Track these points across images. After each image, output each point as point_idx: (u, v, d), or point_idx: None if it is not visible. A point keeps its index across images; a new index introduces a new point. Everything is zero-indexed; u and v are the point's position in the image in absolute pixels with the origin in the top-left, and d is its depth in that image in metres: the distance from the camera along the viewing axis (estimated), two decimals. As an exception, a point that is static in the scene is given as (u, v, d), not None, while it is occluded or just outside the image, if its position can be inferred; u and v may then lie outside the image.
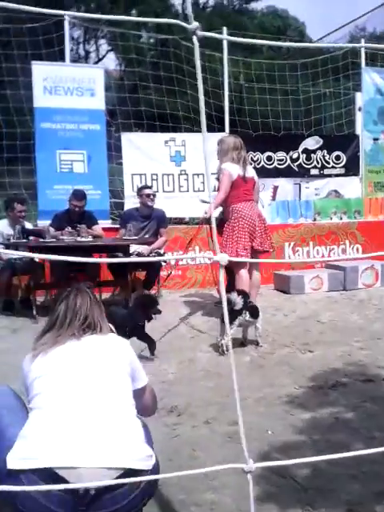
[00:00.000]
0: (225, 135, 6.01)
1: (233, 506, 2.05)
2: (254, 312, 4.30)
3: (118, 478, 1.54)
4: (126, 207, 7.06)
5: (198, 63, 0.91)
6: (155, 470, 1.70)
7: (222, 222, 5.15)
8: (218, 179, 5.32)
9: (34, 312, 5.10)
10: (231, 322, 4.09)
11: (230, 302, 4.11)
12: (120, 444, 1.61)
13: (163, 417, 2.88)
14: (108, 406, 1.67)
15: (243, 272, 5.02)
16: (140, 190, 6.19)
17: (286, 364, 3.87)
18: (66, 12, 6.63)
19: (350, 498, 2.13)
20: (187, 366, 3.79)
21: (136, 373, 1.92)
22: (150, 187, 6.37)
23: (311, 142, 8.24)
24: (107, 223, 6.94)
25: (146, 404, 2.04)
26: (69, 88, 6.80)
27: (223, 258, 1.03)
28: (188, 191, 7.54)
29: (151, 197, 6.02)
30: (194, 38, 0.88)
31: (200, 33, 0.89)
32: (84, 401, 1.65)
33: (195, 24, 0.87)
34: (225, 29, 7.72)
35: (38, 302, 5.84)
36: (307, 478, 2.24)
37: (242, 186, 5.06)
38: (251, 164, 7.68)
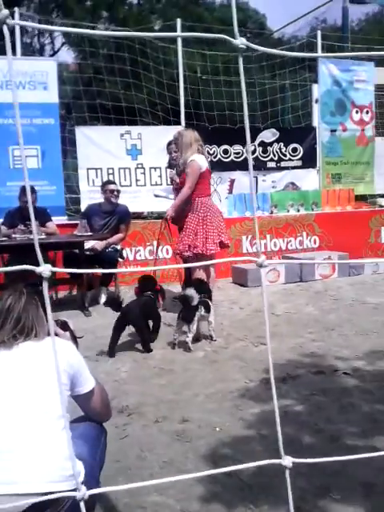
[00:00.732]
0: (182, 129, 5.98)
1: (177, 506, 2.06)
2: (207, 306, 4.32)
3: (34, 504, 1.39)
4: (82, 202, 6.97)
5: (243, 78, 0.85)
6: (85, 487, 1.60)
7: (180, 215, 5.11)
8: (181, 172, 5.25)
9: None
10: (192, 319, 4.11)
11: (187, 299, 4.12)
12: (33, 467, 1.48)
13: (114, 417, 2.82)
14: (25, 425, 1.55)
15: (205, 269, 5.05)
16: (104, 185, 6.08)
17: (238, 358, 3.90)
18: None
19: (293, 495, 2.16)
20: (141, 363, 3.78)
21: (79, 377, 1.79)
22: (115, 183, 6.26)
23: (268, 135, 8.30)
24: (63, 219, 6.85)
25: (95, 408, 1.93)
26: (21, 82, 6.64)
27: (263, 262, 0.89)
28: (145, 185, 7.50)
29: (115, 193, 5.93)
30: (240, 59, 0.83)
31: (243, 44, 0.82)
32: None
33: (242, 40, 0.81)
34: (179, 20, 7.65)
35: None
36: (252, 475, 2.27)
37: (207, 179, 5.09)
38: (207, 157, 7.72)
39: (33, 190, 5.67)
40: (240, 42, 0.83)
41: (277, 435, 2.65)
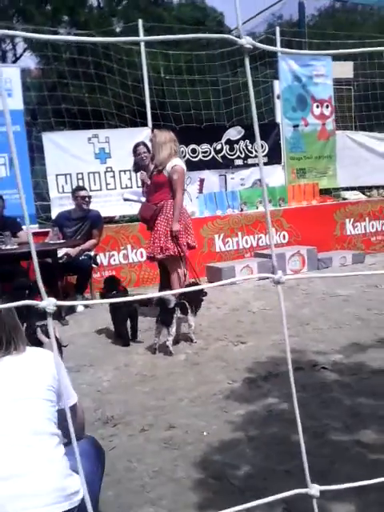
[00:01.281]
0: (157, 130, 5.95)
1: (171, 516, 2.10)
2: (184, 308, 4.35)
3: None
4: (53, 209, 6.92)
5: (250, 79, 0.82)
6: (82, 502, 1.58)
7: (152, 217, 5.11)
8: (154, 173, 5.22)
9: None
10: (171, 322, 4.13)
11: (163, 302, 4.15)
12: (33, 490, 1.47)
13: (99, 429, 2.88)
14: (24, 443, 1.53)
15: (180, 270, 5.08)
16: (75, 191, 6.04)
17: (219, 358, 3.95)
18: None
19: (285, 496, 2.21)
20: (123, 371, 3.79)
21: (65, 390, 1.74)
22: (85, 189, 6.21)
23: (233, 133, 8.36)
24: (34, 228, 6.77)
25: (80, 421, 1.92)
26: (-17, 89, 6.53)
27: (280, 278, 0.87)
28: (115, 189, 7.47)
29: (86, 199, 5.89)
30: (246, 60, 0.79)
31: (249, 43, 0.77)
32: None
33: (248, 39, 0.78)
34: (140, 21, 7.64)
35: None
36: (243, 478, 2.32)
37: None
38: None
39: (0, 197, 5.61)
40: (246, 41, 0.81)
41: (266, 438, 2.70)
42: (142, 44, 7.57)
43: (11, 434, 1.53)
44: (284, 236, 7.99)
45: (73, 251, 5.58)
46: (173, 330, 4.16)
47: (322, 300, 5.60)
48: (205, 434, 2.79)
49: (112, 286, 4.76)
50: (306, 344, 4.15)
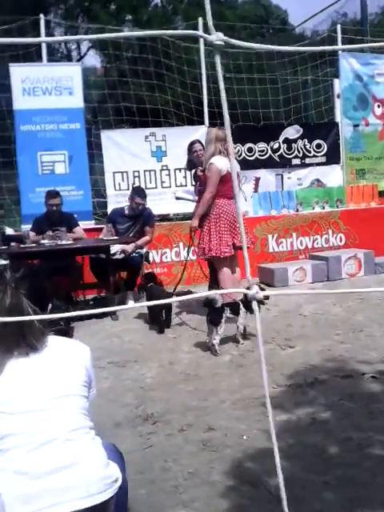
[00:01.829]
0: (209, 127, 5.94)
1: (203, 519, 2.08)
2: (235, 308, 4.31)
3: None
4: (109, 206, 7.04)
5: (221, 75, 0.79)
6: (124, 488, 1.67)
7: (202, 216, 5.11)
8: (202, 171, 5.25)
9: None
10: (218, 322, 4.11)
11: (210, 301, 4.13)
12: (81, 481, 1.51)
13: (138, 425, 2.90)
14: (64, 438, 1.55)
15: (226, 270, 5.04)
16: (132, 195, 5.97)
17: (265, 362, 3.89)
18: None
19: (321, 507, 2.16)
20: (167, 369, 3.81)
21: (92, 381, 1.77)
22: (142, 197, 6.00)
23: (291, 132, 8.22)
24: (91, 224, 6.92)
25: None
26: (47, 88, 6.73)
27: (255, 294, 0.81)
28: (170, 187, 7.52)
29: (140, 207, 5.93)
30: (217, 57, 0.75)
31: (220, 40, 0.73)
32: (36, 438, 1.53)
33: (219, 35, 0.74)
34: (200, 19, 7.64)
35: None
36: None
37: (230, 181, 4.95)
38: (231, 157, 7.70)
39: (57, 194, 5.76)
40: (216, 37, 0.75)
41: (306, 446, 2.63)
42: (201, 42, 7.57)
43: (51, 431, 1.55)
44: (340, 238, 7.79)
45: (128, 247, 5.66)
46: (221, 329, 4.14)
47: (378, 306, 5.41)
48: (244, 437, 2.75)
49: (150, 279, 5.27)
50: (357, 351, 4.03)
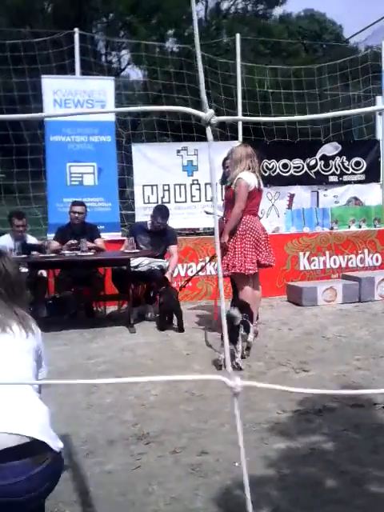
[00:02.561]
0: (235, 145, 5.87)
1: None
2: (246, 325, 4.23)
3: (21, 448, 1.52)
4: (137, 219, 7.04)
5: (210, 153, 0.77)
6: (61, 458, 1.69)
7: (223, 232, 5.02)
8: (227, 187, 5.18)
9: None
10: (236, 339, 4.06)
11: (231, 319, 4.05)
12: (25, 415, 1.60)
13: (131, 444, 2.82)
14: (15, 382, 1.73)
15: (248, 288, 4.92)
16: (155, 214, 5.88)
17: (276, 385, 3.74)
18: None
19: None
20: (173, 386, 3.71)
21: (42, 360, 1.93)
22: (165, 218, 5.91)
23: (329, 148, 8.04)
24: (118, 235, 6.94)
25: None
26: (79, 100, 6.83)
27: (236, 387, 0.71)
28: (200, 201, 7.47)
29: (161, 226, 5.89)
30: (208, 129, 0.75)
31: (215, 120, 0.73)
32: None
33: (210, 112, 0.74)
34: (238, 36, 7.62)
35: (42, 316, 5.89)
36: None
37: (256, 198, 4.91)
38: (266, 172, 7.58)
39: (82, 203, 5.80)
40: (209, 115, 0.73)
41: (299, 478, 2.50)
42: (238, 58, 7.54)
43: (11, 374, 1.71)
44: (377, 258, 7.53)
45: (169, 275, 5.67)
46: (239, 346, 4.08)
47: (405, 331, 5.16)
48: (236, 464, 2.62)
49: (163, 284, 5.52)
50: (374, 379, 3.83)
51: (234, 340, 4.04)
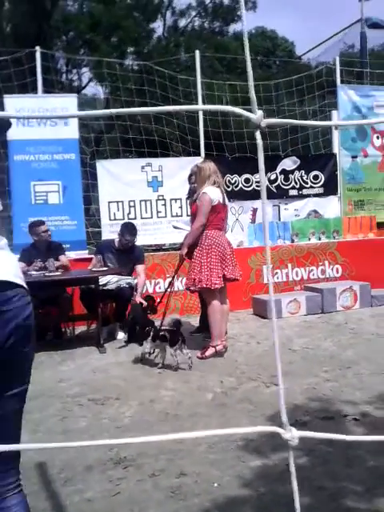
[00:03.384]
0: (200, 162, 5.96)
1: None
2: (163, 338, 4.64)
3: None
4: (104, 236, 7.05)
5: (261, 156, 0.73)
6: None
7: (192, 246, 5.09)
8: (192, 202, 5.26)
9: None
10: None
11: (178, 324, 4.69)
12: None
13: (109, 470, 2.83)
14: None
15: (216, 302, 4.99)
16: (123, 231, 5.93)
17: (248, 401, 3.82)
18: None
19: None
20: (147, 407, 3.73)
21: None
22: (133, 235, 5.97)
23: (289, 163, 8.25)
24: (84, 253, 6.92)
25: None
26: (42, 119, 6.81)
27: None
28: (166, 217, 7.54)
29: (130, 244, 5.93)
30: (258, 133, 0.71)
31: (264, 123, 0.71)
32: None
33: (260, 113, 0.71)
34: (197, 52, 7.75)
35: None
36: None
37: (220, 213, 5.00)
38: (229, 187, 7.71)
39: (43, 222, 5.77)
40: (260, 117, 0.70)
41: (276, 496, 2.55)
42: (198, 74, 7.67)
43: None
44: (337, 270, 7.74)
45: (138, 299, 5.62)
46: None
47: (369, 341, 5.34)
48: (215, 485, 2.67)
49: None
50: (342, 390, 3.95)
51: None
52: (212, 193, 4.91)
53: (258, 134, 0.72)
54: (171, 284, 5.36)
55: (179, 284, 6.86)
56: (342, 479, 2.68)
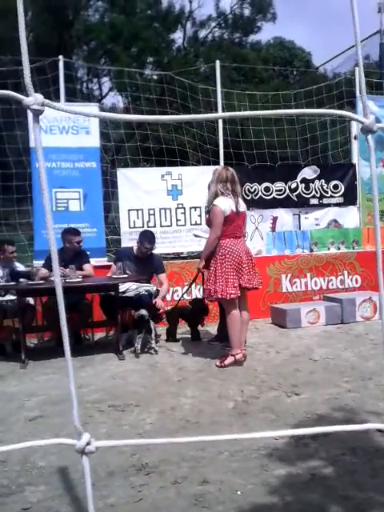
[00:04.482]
0: (216, 168, 5.97)
1: None
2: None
3: None
4: (123, 244, 7.08)
5: (373, 160, 0.77)
6: None
7: (209, 258, 5.09)
8: (206, 212, 5.29)
9: (23, 356, 5.07)
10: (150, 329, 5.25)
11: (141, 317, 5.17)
12: None
13: (131, 476, 2.82)
14: None
15: (235, 311, 4.97)
16: (141, 240, 5.92)
17: (269, 410, 3.79)
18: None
19: None
20: (168, 415, 3.72)
21: None
22: (152, 243, 5.97)
23: (309, 172, 8.24)
24: (104, 261, 6.95)
25: None
26: (64, 127, 6.88)
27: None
28: (185, 225, 7.55)
29: (148, 252, 5.94)
30: (369, 137, 0.72)
31: (377, 127, 0.72)
32: None
33: (372, 117, 0.72)
34: (217, 62, 7.79)
35: (31, 344, 5.85)
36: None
37: (235, 221, 4.97)
38: (248, 196, 7.71)
39: (78, 232, 5.82)
40: (372, 121, 0.72)
41: (302, 505, 2.52)
42: (219, 84, 7.70)
43: None
44: (356, 280, 7.68)
45: (160, 304, 5.70)
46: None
47: (391, 352, 5.26)
48: (239, 493, 2.64)
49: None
50: (365, 401, 3.89)
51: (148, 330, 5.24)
52: (222, 203, 4.90)
53: (369, 137, 0.76)
54: (187, 293, 5.41)
55: (197, 292, 6.86)
56: (368, 489, 2.64)
